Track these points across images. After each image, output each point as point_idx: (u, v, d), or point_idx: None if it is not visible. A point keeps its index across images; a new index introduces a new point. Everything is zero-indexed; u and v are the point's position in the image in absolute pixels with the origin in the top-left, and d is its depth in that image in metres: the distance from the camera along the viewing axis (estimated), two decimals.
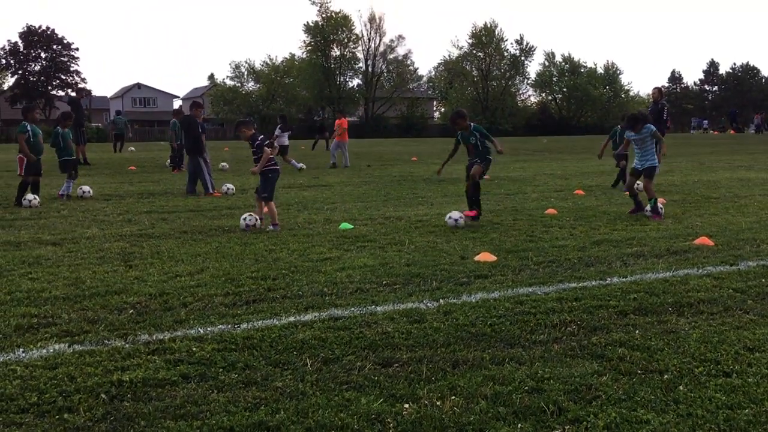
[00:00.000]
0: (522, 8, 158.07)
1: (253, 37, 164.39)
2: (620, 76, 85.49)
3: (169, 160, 21.96)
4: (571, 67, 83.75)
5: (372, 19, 77.85)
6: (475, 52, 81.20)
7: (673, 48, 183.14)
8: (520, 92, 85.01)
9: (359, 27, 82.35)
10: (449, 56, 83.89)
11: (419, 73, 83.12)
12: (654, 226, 9.51)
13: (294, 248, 8.08)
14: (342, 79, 77.56)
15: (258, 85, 78.02)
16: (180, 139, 21.80)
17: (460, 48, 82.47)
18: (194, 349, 4.59)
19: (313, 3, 75.77)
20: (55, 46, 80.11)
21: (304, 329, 5.00)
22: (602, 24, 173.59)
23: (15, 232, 9.37)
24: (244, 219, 9.49)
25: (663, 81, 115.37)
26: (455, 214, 9.63)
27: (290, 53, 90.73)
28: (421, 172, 19.65)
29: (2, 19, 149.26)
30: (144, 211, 11.63)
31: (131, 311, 5.52)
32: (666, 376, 4.09)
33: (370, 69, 78.43)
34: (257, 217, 9.54)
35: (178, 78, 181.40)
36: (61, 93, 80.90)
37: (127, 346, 4.68)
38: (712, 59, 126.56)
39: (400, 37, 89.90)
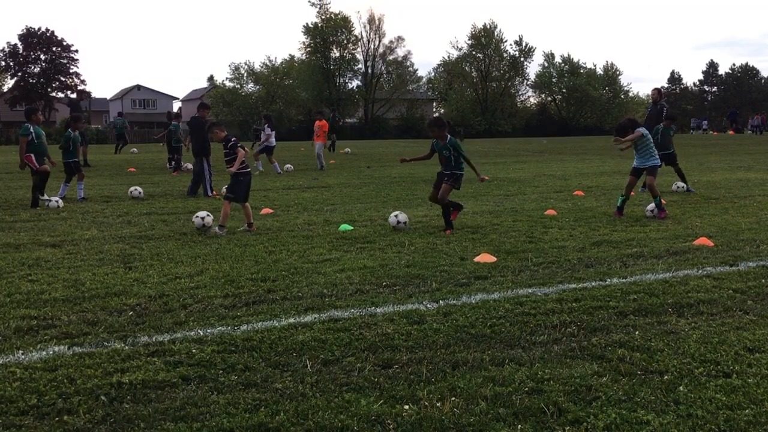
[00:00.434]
0: (521, 9, 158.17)
1: (252, 39, 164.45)
2: (620, 76, 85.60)
3: (172, 162, 21.89)
4: (571, 67, 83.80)
5: (371, 20, 77.88)
6: (474, 53, 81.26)
7: (672, 48, 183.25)
8: (520, 93, 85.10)
9: (358, 28, 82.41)
10: (449, 57, 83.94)
11: (419, 75, 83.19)
12: (654, 227, 9.51)
13: (294, 250, 8.08)
14: (341, 81, 77.59)
15: (257, 87, 78.04)
16: (174, 141, 21.87)
17: (460, 49, 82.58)
18: (194, 350, 4.59)
19: (313, 4, 75.86)
20: (54, 48, 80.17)
21: (304, 331, 5.00)
22: (602, 25, 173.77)
23: (14, 234, 9.37)
24: (200, 218, 9.34)
25: (662, 82, 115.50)
26: (402, 216, 9.45)
27: (290, 55, 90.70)
28: (421, 174, 19.65)
29: (2, 22, 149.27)
30: (143, 212, 11.62)
31: (131, 313, 5.52)
32: (666, 377, 4.09)
33: (369, 70, 78.45)
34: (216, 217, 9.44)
35: (178, 80, 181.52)
36: (60, 95, 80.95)
37: (126, 347, 4.68)
38: (712, 60, 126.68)
39: (400, 39, 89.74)
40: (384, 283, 6.41)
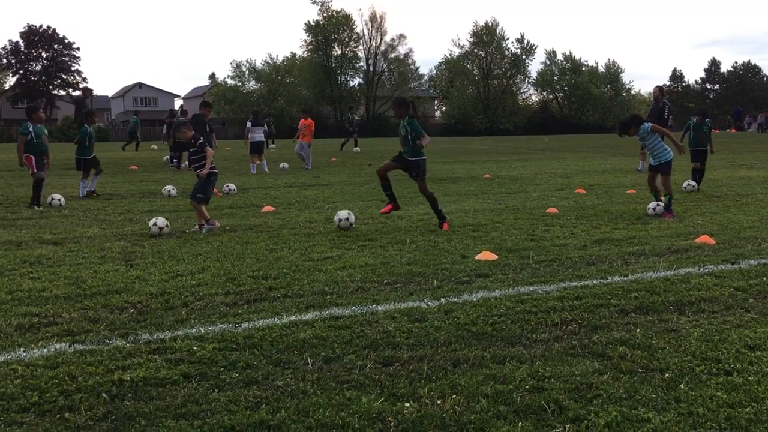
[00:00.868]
0: (523, 7, 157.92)
1: (254, 37, 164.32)
2: (621, 74, 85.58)
3: (174, 160, 21.88)
4: (573, 65, 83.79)
5: (373, 18, 77.96)
6: (476, 50, 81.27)
7: (674, 46, 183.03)
8: (521, 91, 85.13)
9: (360, 26, 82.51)
10: (450, 55, 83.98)
11: (420, 72, 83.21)
12: (655, 225, 9.50)
13: (295, 247, 8.08)
14: (343, 78, 77.62)
15: (259, 85, 78.08)
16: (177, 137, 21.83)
17: (462, 47, 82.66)
18: (195, 348, 4.59)
19: (314, 2, 75.91)
20: (56, 46, 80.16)
21: (305, 328, 5.00)
22: (604, 23, 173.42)
23: (16, 232, 9.38)
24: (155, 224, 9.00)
25: (664, 80, 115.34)
26: (343, 214, 9.38)
27: (291, 52, 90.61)
28: None
29: (3, 19, 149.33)
30: (145, 210, 11.63)
31: (132, 310, 5.52)
32: (667, 375, 4.09)
33: (371, 68, 78.51)
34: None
35: (179, 77, 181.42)
36: (62, 93, 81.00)
37: (128, 345, 4.68)
38: (714, 57, 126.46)
39: (401, 36, 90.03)
40: (385, 281, 6.41)
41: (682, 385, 3.93)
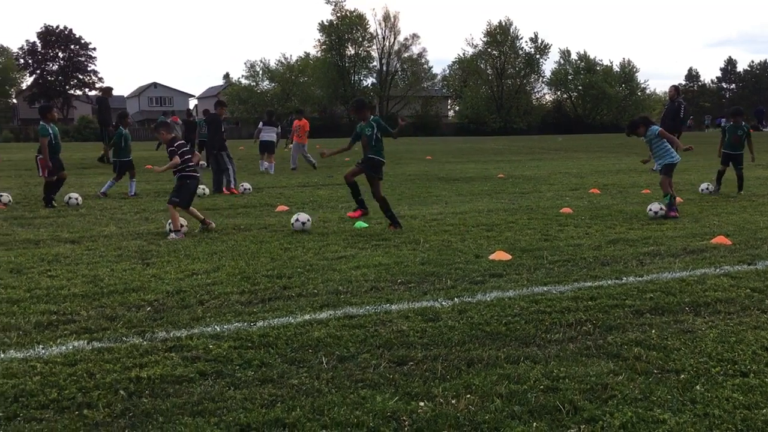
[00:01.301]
0: (537, 6, 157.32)
1: (268, 37, 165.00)
2: (636, 73, 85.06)
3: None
4: (587, 65, 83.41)
5: (386, 17, 78.01)
6: (489, 50, 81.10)
7: (690, 45, 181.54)
8: (535, 90, 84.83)
9: (374, 26, 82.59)
10: (464, 54, 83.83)
11: (434, 72, 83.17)
12: (670, 225, 9.45)
13: (309, 247, 8.12)
14: (356, 78, 77.71)
15: (273, 84, 78.37)
16: (200, 136, 22.04)
17: (475, 46, 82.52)
18: (211, 346, 4.63)
19: (328, 2, 76.05)
20: (72, 46, 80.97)
21: (320, 327, 5.03)
22: (618, 22, 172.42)
23: (34, 230, 9.48)
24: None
25: (680, 79, 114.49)
26: (303, 217, 9.25)
27: (305, 52, 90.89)
28: (436, 171, 19.66)
29: (21, 20, 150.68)
30: (161, 209, 11.71)
31: (149, 309, 5.57)
32: (683, 376, 4.08)
33: (384, 68, 78.54)
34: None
35: (194, 77, 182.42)
36: (78, 92, 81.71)
37: (145, 343, 4.73)
38: (730, 57, 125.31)
39: (415, 36, 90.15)
40: (399, 281, 6.42)
41: (698, 387, 3.92)
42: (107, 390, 3.93)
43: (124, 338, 4.83)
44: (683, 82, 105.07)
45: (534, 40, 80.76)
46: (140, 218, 10.71)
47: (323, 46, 76.74)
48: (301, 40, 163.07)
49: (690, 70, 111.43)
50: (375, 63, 78.52)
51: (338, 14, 75.47)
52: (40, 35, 79.92)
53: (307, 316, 5.31)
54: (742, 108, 14.29)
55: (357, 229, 9.40)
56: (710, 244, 8.00)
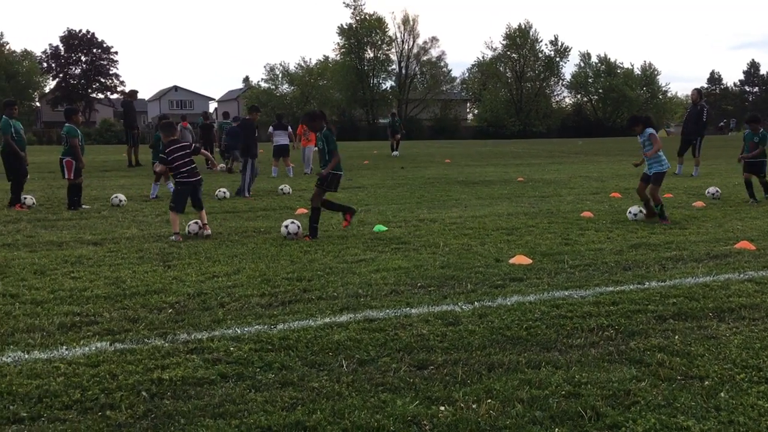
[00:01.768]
0: (557, 9, 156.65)
1: (287, 40, 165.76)
2: (658, 76, 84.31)
3: (225, 163, 21.90)
4: (607, 68, 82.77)
5: (405, 20, 77.89)
6: (509, 53, 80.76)
7: (712, 48, 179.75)
8: (555, 93, 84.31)
9: (393, 29, 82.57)
10: (483, 58, 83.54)
11: (453, 75, 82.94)
12: (693, 230, 9.35)
13: (329, 250, 8.13)
14: (375, 81, 77.74)
15: (292, 88, 78.65)
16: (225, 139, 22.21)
17: (494, 49, 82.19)
18: (232, 348, 4.65)
19: (347, 5, 76.25)
20: (95, 50, 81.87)
21: (340, 330, 5.03)
22: (639, 24, 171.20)
23: (57, 233, 9.59)
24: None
25: (702, 82, 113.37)
26: (292, 227, 9.00)
27: (324, 55, 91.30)
28: (455, 174, 19.61)
29: (45, 24, 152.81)
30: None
31: (170, 311, 5.61)
32: (707, 383, 4.03)
33: (403, 71, 78.48)
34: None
35: (214, 80, 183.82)
36: (101, 96, 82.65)
37: (166, 345, 4.76)
38: (753, 59, 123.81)
39: (434, 39, 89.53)
40: (419, 284, 6.41)
41: (722, 393, 3.87)
42: (129, 391, 3.97)
43: (146, 340, 4.87)
44: (705, 85, 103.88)
45: (554, 42, 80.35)
46: (161, 221, 10.79)
47: (342, 50, 76.89)
48: (320, 44, 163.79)
49: (712, 73, 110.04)
50: (394, 66, 78.49)
51: (357, 18, 75.64)
52: (63, 39, 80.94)
53: (327, 319, 5.32)
54: (759, 114, 13.86)
55: (376, 232, 9.40)
56: (734, 249, 7.90)
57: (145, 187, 16.02)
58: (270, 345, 4.73)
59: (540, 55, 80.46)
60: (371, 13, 75.94)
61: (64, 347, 4.73)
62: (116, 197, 12.83)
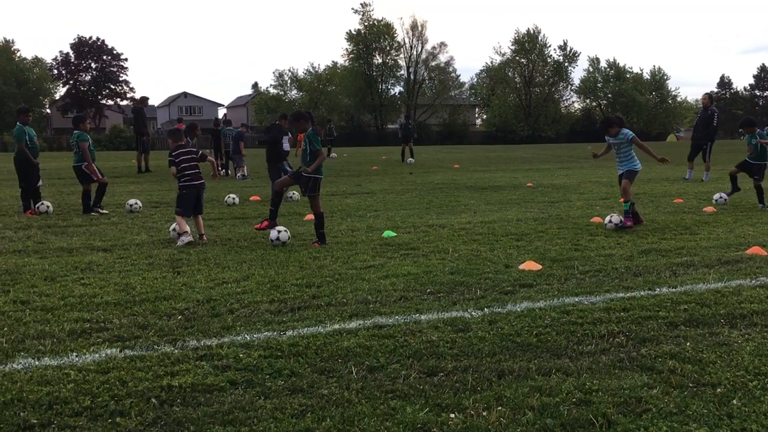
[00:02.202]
0: (566, 14, 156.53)
1: (296, 46, 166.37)
2: (667, 81, 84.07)
3: (234, 170, 22.01)
4: (617, 72, 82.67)
5: (414, 26, 78.04)
6: (517, 58, 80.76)
7: (722, 52, 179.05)
8: (564, 98, 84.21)
9: (401, 34, 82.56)
10: (491, 63, 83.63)
11: (461, 80, 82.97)
12: (704, 236, 9.29)
13: (337, 256, 8.13)
14: (384, 87, 77.88)
15: (301, 93, 78.84)
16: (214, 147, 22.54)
17: (503, 54, 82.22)
18: (241, 355, 4.65)
19: (356, 11, 76.42)
20: (105, 57, 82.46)
21: (349, 337, 5.02)
22: (649, 29, 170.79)
23: (67, 239, 9.63)
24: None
25: (712, 86, 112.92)
26: (282, 235, 8.94)
27: (332, 61, 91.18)
28: (464, 180, 19.59)
29: (55, 32, 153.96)
30: (190, 219, 11.80)
31: (180, 317, 5.62)
32: (719, 390, 3.99)
33: (411, 76, 78.59)
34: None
35: (223, 87, 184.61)
36: (110, 102, 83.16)
37: (176, 351, 4.76)
38: (763, 64, 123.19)
39: (442, 44, 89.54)
40: (428, 290, 6.40)
41: (734, 401, 3.84)
42: (139, 398, 3.97)
43: (156, 346, 4.88)
44: (715, 90, 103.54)
45: (563, 47, 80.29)
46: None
47: (351, 55, 77.09)
48: (329, 49, 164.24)
49: (722, 77, 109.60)
50: (402, 71, 78.64)
51: (366, 23, 75.83)
52: (73, 46, 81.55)
53: (336, 326, 5.31)
54: (753, 118, 14.31)
55: (385, 238, 9.39)
56: (745, 255, 7.85)
57: (154, 193, 16.09)
58: (279, 351, 4.72)
59: (549, 60, 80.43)
60: (380, 18, 76.20)
61: (74, 354, 4.74)
62: (135, 203, 12.88)
